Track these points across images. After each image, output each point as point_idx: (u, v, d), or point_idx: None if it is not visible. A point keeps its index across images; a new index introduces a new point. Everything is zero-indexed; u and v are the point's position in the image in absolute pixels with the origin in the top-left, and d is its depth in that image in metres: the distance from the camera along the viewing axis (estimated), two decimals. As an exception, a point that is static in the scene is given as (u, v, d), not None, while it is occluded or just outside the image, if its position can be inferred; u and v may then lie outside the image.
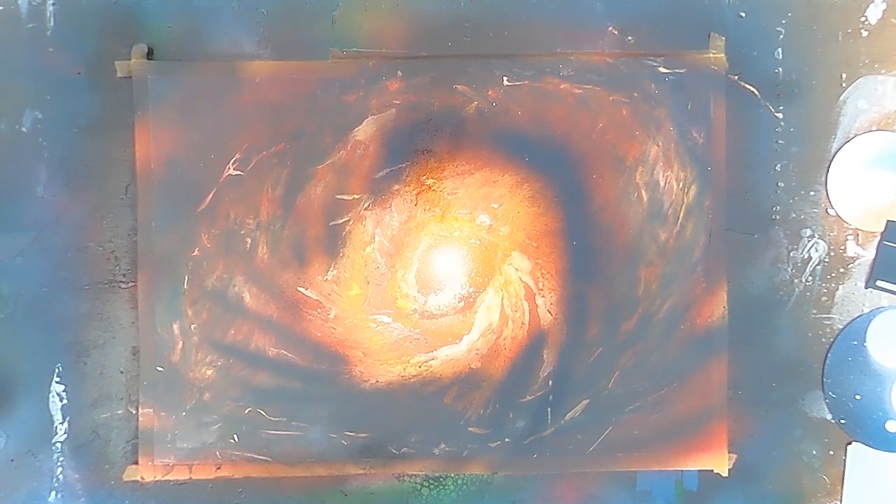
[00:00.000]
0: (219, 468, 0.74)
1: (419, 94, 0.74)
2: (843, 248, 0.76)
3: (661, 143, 0.75)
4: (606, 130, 0.74)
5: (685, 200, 0.75)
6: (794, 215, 0.76)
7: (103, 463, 0.75)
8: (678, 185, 0.75)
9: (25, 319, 0.74)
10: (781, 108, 0.75)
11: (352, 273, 0.75)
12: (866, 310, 0.76)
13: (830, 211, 0.76)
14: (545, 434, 0.75)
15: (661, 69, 0.74)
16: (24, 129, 0.74)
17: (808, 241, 0.76)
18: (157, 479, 0.74)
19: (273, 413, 0.75)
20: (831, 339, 0.76)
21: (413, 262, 0.75)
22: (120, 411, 0.75)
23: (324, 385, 0.74)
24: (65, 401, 0.75)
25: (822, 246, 0.76)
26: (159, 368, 0.74)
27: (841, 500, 0.76)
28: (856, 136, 0.75)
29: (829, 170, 0.75)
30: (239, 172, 0.74)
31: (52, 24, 0.74)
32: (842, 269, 0.76)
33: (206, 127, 0.74)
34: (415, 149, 0.74)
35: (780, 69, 0.75)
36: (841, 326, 0.76)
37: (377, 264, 0.75)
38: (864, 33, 0.75)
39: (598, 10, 0.75)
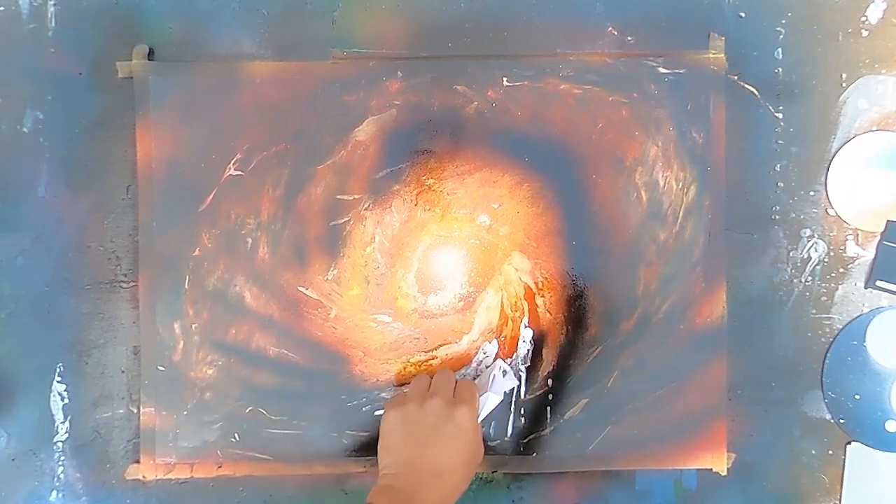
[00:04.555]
0: (220, 467, 0.75)
1: (419, 94, 0.74)
2: (842, 248, 0.76)
3: (660, 144, 0.75)
4: (606, 130, 0.74)
5: (685, 200, 0.75)
6: (793, 215, 0.76)
7: (104, 462, 0.75)
8: (678, 185, 0.75)
9: (26, 319, 0.75)
10: (781, 108, 0.75)
11: (352, 273, 0.75)
12: (866, 310, 0.76)
13: (830, 211, 0.76)
14: (545, 433, 0.75)
15: (661, 69, 0.74)
16: (24, 130, 0.74)
17: (808, 241, 0.76)
18: (158, 477, 0.74)
19: (274, 412, 0.75)
20: (831, 339, 0.76)
21: (413, 262, 0.75)
22: (121, 410, 0.75)
23: (324, 384, 0.75)
24: (66, 400, 0.75)
25: (822, 246, 0.76)
26: (160, 368, 0.74)
27: (840, 500, 0.76)
28: (856, 136, 0.75)
29: (829, 170, 0.75)
30: (240, 173, 0.74)
31: (53, 24, 0.75)
32: (841, 269, 0.76)
33: (207, 127, 0.74)
34: (415, 149, 0.75)
35: (780, 69, 0.75)
36: (840, 326, 0.76)
37: (377, 264, 0.75)
38: (865, 33, 0.75)
39: (598, 10, 0.75)
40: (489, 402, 0.71)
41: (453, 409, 0.67)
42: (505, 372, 0.73)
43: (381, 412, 0.75)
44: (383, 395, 0.75)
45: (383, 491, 0.63)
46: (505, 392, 0.72)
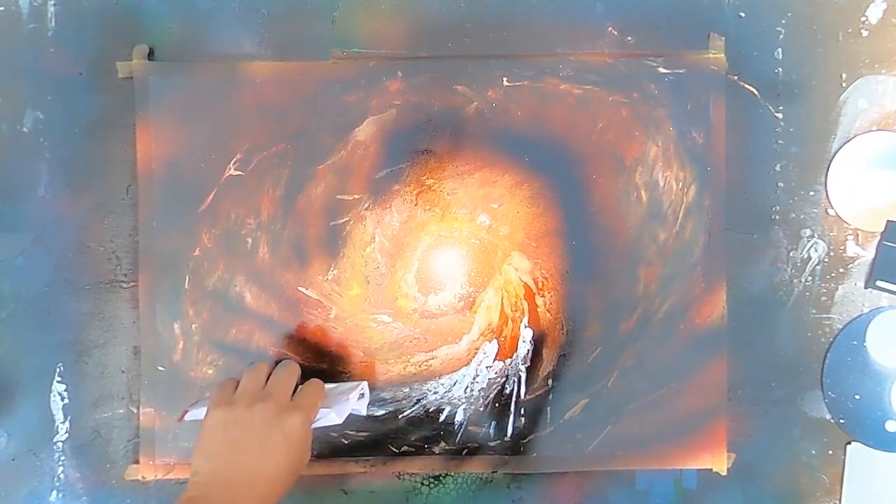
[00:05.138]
0: (220, 466, 0.75)
1: (419, 94, 0.74)
2: (842, 248, 0.76)
3: (660, 144, 0.75)
4: (606, 130, 0.74)
5: (685, 200, 0.75)
6: (793, 215, 0.76)
7: (104, 462, 0.75)
8: (678, 185, 0.75)
9: (27, 319, 0.75)
10: (781, 108, 0.75)
11: (352, 273, 0.75)
12: (866, 310, 0.76)
13: (830, 211, 0.76)
14: (545, 433, 0.75)
15: (661, 69, 0.74)
16: (25, 130, 0.74)
17: (808, 241, 0.76)
18: (158, 477, 0.74)
19: (274, 412, 0.75)
20: (831, 339, 0.76)
21: (413, 262, 0.75)
22: (121, 410, 0.75)
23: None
24: (66, 400, 0.75)
25: (822, 246, 0.76)
26: (160, 368, 0.74)
27: (840, 500, 0.76)
28: (856, 136, 0.75)
29: (829, 170, 0.75)
30: (240, 173, 0.74)
31: (53, 24, 0.75)
32: (841, 269, 0.76)
33: (207, 127, 0.74)
34: (415, 149, 0.75)
35: (780, 69, 0.75)
36: (840, 326, 0.76)
37: (377, 264, 0.75)
38: (865, 33, 0.75)
39: (598, 10, 0.75)
40: (328, 418, 0.67)
41: (285, 415, 0.63)
42: (362, 395, 0.71)
43: (381, 413, 0.75)
44: (383, 395, 0.75)
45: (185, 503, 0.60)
46: (352, 413, 0.69)
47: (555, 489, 0.76)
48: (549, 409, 0.75)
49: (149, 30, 0.75)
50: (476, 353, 0.75)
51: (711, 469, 0.75)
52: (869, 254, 0.76)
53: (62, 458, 0.75)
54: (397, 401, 0.75)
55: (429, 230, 0.75)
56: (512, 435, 0.75)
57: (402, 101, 0.74)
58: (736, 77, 0.75)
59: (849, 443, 0.76)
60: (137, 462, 0.75)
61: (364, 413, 0.72)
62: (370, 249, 0.75)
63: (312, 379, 0.70)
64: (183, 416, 0.70)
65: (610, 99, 0.75)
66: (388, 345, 0.75)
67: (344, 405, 0.69)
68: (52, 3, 0.75)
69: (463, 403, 0.75)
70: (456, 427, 0.75)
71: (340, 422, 0.68)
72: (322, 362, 0.75)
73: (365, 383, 0.73)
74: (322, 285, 0.75)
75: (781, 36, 0.75)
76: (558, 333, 0.75)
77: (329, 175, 0.74)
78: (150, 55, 0.74)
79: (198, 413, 0.68)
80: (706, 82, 0.74)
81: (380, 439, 0.75)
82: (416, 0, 0.75)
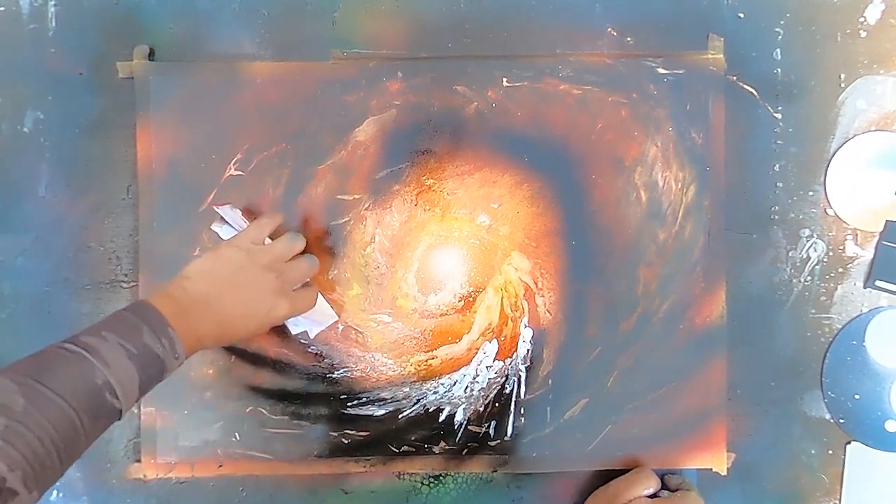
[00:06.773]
0: (221, 466, 0.75)
1: (419, 94, 0.74)
2: (841, 247, 0.76)
3: (659, 144, 0.75)
4: (605, 131, 0.75)
5: (684, 200, 0.75)
6: (792, 215, 0.76)
7: (105, 461, 0.75)
8: (677, 186, 0.75)
9: (27, 319, 0.75)
10: (780, 108, 0.76)
11: (352, 273, 0.75)
12: (865, 310, 0.76)
13: (829, 211, 0.76)
14: (545, 433, 0.75)
15: (660, 70, 0.74)
16: (25, 130, 0.75)
17: (807, 241, 0.76)
18: (159, 476, 0.74)
19: (274, 412, 0.75)
20: (830, 339, 0.76)
21: (413, 262, 0.75)
22: (121, 410, 0.75)
23: (324, 384, 0.75)
24: (66, 400, 0.75)
25: (821, 246, 0.76)
26: (160, 368, 0.74)
27: (840, 500, 0.76)
28: (855, 136, 0.76)
29: (828, 170, 0.76)
30: (240, 173, 0.74)
31: (53, 24, 0.75)
32: (841, 269, 0.76)
33: (208, 127, 0.74)
34: (415, 149, 0.75)
35: (779, 70, 0.75)
36: (840, 326, 0.76)
37: (377, 264, 0.75)
38: (863, 34, 0.76)
39: (598, 11, 0.75)
40: (293, 327, 0.73)
41: (280, 299, 0.66)
42: (337, 323, 0.74)
43: (381, 413, 0.75)
44: (383, 394, 0.75)
45: (168, 300, 0.60)
46: (315, 324, 0.73)
47: (555, 489, 0.76)
48: (549, 409, 0.75)
49: (149, 30, 0.75)
50: (476, 352, 0.75)
51: (711, 469, 0.75)
52: (868, 254, 0.76)
53: (62, 457, 0.75)
54: (397, 401, 0.75)
55: (429, 230, 0.75)
56: (512, 435, 0.75)
57: (402, 101, 0.74)
58: (735, 77, 0.75)
59: (849, 443, 0.76)
60: (139, 461, 0.74)
61: (312, 336, 0.74)
62: (370, 249, 0.75)
63: (315, 288, 0.72)
64: (217, 215, 0.73)
65: (609, 99, 0.75)
66: (388, 345, 0.75)
67: (309, 328, 0.74)
68: (53, 3, 0.75)
69: (463, 403, 0.75)
70: (456, 427, 0.75)
71: (292, 330, 0.74)
72: (322, 362, 0.75)
73: (337, 320, 0.75)
74: (322, 285, 0.75)
75: (780, 36, 0.75)
76: (558, 333, 0.75)
77: (329, 175, 0.75)
78: (151, 55, 0.74)
79: (224, 232, 0.72)
80: (705, 83, 0.75)
81: (380, 439, 0.75)
82: (416, 0, 0.75)
